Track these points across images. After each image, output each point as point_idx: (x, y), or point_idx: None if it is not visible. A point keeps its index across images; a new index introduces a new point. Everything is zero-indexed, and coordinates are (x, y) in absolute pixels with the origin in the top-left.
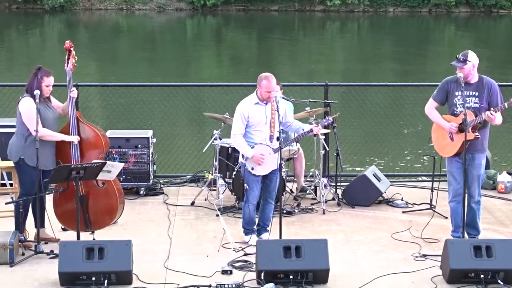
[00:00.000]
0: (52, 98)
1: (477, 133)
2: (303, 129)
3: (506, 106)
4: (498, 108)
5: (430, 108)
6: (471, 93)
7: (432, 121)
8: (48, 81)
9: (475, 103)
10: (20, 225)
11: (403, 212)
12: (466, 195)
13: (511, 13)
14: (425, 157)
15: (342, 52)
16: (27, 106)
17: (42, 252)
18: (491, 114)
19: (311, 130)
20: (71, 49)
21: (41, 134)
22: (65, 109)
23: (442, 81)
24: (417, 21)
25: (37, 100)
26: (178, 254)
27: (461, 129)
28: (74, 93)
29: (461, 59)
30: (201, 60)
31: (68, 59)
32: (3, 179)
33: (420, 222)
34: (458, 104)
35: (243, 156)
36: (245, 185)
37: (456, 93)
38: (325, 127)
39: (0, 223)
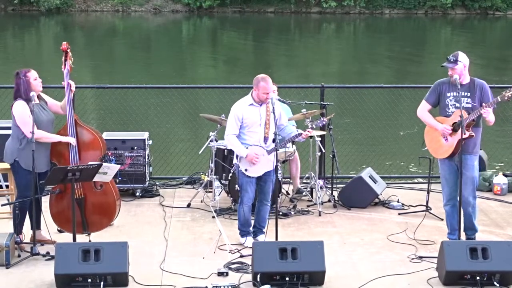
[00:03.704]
0: (48, 98)
1: (471, 132)
2: (297, 131)
3: (499, 100)
4: (491, 103)
5: (423, 110)
6: (463, 94)
7: (424, 126)
8: (33, 75)
9: (467, 103)
10: (16, 227)
11: (399, 214)
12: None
13: (507, 15)
14: (421, 159)
15: (338, 53)
16: (20, 110)
17: (38, 254)
18: (485, 108)
19: (300, 135)
20: (68, 50)
21: (37, 136)
22: (64, 107)
23: (434, 83)
24: (413, 23)
25: (34, 102)
26: (174, 256)
27: (455, 129)
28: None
29: (452, 60)
30: (197, 61)
31: (65, 60)
32: None
33: (416, 224)
34: (450, 105)
35: (237, 157)
36: (236, 186)
37: (448, 94)
38: (320, 128)
39: None
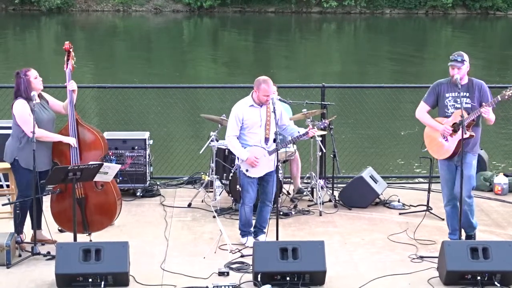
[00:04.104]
0: (50, 97)
1: (472, 132)
2: (298, 132)
3: (500, 99)
4: (491, 102)
5: (422, 112)
6: (462, 94)
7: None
8: (33, 74)
9: (466, 103)
10: (17, 227)
11: (400, 213)
12: (459, 196)
13: (508, 15)
14: (421, 159)
15: (338, 53)
16: (20, 109)
17: (38, 254)
18: (487, 108)
19: (307, 133)
20: (70, 50)
21: (37, 135)
22: (66, 107)
23: (433, 83)
24: (413, 23)
25: (35, 102)
26: (175, 256)
27: (455, 129)
28: (72, 85)
29: (460, 60)
30: (198, 61)
31: (68, 60)
32: None
33: (417, 224)
34: (450, 106)
35: (238, 158)
36: (238, 186)
37: (447, 95)
38: (321, 129)
39: None
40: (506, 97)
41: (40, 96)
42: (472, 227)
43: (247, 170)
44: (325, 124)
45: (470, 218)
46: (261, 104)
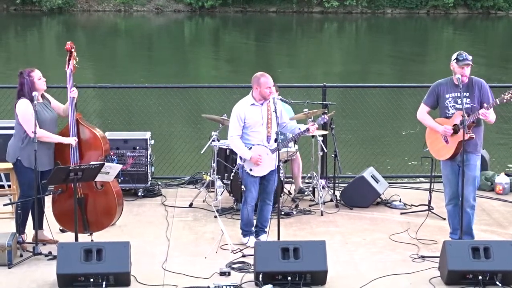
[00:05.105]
0: (52, 98)
1: (471, 133)
2: (299, 129)
3: (498, 102)
4: (490, 104)
5: (422, 113)
6: (463, 94)
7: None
8: (37, 74)
9: (466, 103)
10: (18, 227)
11: (401, 213)
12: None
13: (509, 14)
14: (423, 158)
15: (340, 53)
16: (23, 108)
17: (40, 254)
18: (485, 111)
19: (308, 130)
20: (72, 50)
21: (38, 135)
22: (66, 111)
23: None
24: (415, 23)
25: (35, 102)
26: (176, 256)
27: (455, 130)
28: (74, 92)
29: (470, 59)
30: (199, 61)
31: (69, 60)
32: (1, 180)
33: (418, 224)
34: (450, 106)
35: (241, 157)
36: (242, 186)
37: (447, 96)
38: (322, 127)
39: None
40: (505, 100)
41: (42, 96)
42: (471, 235)
43: (251, 170)
44: (325, 120)
45: (471, 224)
46: (262, 101)
